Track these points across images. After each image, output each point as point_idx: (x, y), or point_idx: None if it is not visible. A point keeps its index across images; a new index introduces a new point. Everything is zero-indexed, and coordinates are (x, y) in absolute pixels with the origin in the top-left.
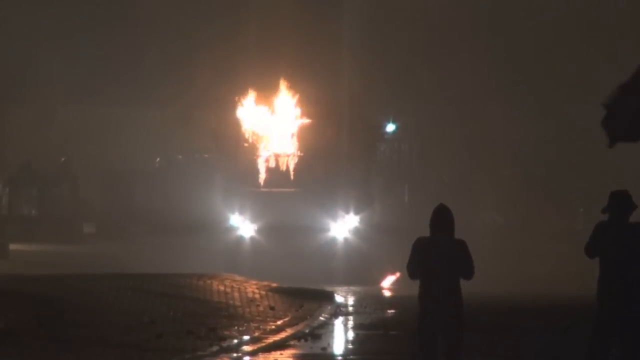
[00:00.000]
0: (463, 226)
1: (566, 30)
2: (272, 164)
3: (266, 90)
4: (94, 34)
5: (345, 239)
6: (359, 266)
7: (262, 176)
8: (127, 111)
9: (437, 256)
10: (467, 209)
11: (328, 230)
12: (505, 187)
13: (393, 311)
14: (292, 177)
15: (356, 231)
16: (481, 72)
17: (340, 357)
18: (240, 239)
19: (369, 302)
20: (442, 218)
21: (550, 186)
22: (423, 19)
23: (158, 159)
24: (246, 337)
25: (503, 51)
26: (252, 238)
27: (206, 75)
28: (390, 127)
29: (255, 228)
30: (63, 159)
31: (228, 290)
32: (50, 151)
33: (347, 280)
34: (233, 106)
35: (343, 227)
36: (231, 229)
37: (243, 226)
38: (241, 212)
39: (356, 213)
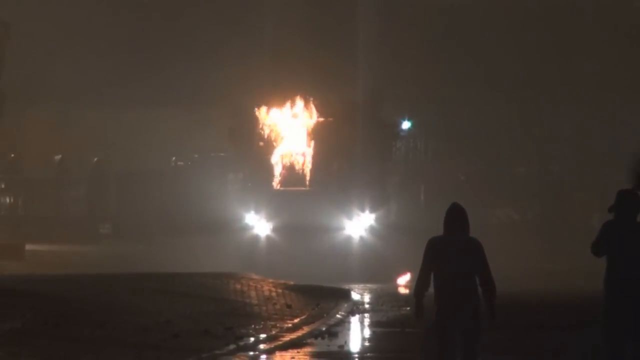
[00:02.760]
0: (479, 223)
1: (581, 28)
2: (288, 163)
3: (282, 90)
4: (111, 36)
5: (361, 237)
6: (374, 264)
7: (278, 175)
8: (143, 111)
9: (451, 256)
10: (482, 205)
11: (343, 228)
12: (520, 184)
13: (410, 309)
14: (307, 176)
15: (372, 229)
16: (496, 69)
17: (357, 355)
18: (256, 238)
19: (386, 300)
20: (456, 217)
21: (566, 183)
22: (439, 17)
23: (174, 159)
24: (263, 336)
25: (518, 48)
26: (267, 237)
27: (223, 74)
28: (406, 125)
29: (271, 227)
30: (96, 159)
31: (245, 289)
32: (69, 152)
33: (362, 278)
34: (249, 105)
35: (358, 225)
36: (246, 228)
37: (258, 225)
38: (256, 211)
39: (372, 211)
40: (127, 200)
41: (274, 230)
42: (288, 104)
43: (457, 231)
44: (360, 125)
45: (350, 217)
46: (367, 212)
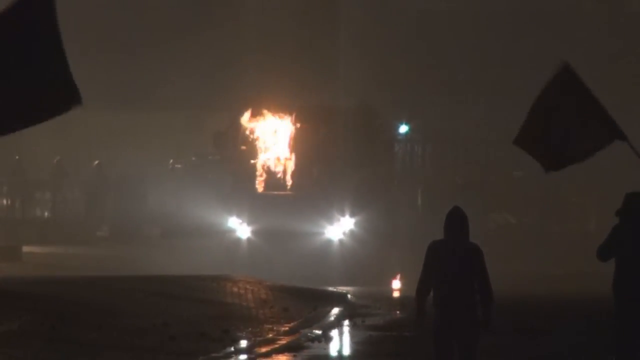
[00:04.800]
0: (476, 227)
1: (577, 30)
2: (270, 168)
3: (267, 95)
4: (106, 38)
5: (340, 241)
6: (353, 268)
7: (260, 179)
8: (141, 114)
9: (451, 260)
10: (480, 209)
11: (323, 233)
12: (518, 188)
13: (407, 312)
14: (289, 180)
15: (351, 233)
16: (494, 73)
17: (354, 359)
18: (238, 241)
19: (383, 304)
20: (456, 221)
21: (563, 187)
22: (436, 20)
23: (172, 161)
24: (260, 339)
25: (515, 51)
26: (249, 240)
27: (219, 78)
28: (404, 129)
29: (252, 230)
30: (96, 162)
31: (241, 292)
32: (66, 154)
33: (340, 282)
34: (235, 109)
35: (338, 229)
36: (229, 231)
37: (240, 229)
38: (239, 215)
39: (352, 216)
40: (124, 202)
41: (255, 233)
42: (273, 109)
43: (457, 235)
44: (343, 130)
45: (330, 222)
46: (347, 216)
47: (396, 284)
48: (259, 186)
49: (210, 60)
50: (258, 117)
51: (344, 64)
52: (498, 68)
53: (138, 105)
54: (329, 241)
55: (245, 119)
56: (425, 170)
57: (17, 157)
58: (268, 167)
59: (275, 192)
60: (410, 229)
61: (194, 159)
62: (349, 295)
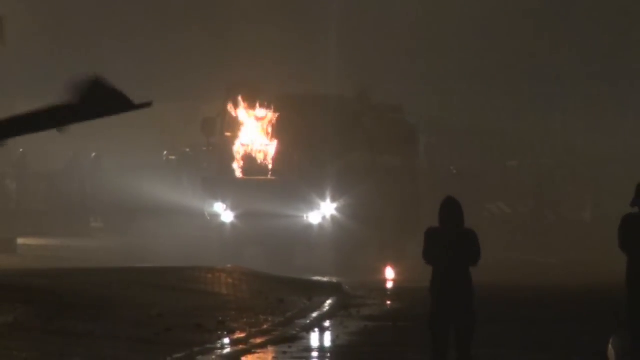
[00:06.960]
0: (471, 216)
1: (572, 21)
2: (254, 154)
3: (256, 82)
4: (103, 31)
5: (320, 225)
6: (332, 252)
7: (243, 165)
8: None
9: (446, 248)
10: (475, 199)
11: (304, 217)
12: (513, 178)
13: (402, 302)
14: (271, 166)
15: (333, 219)
16: (489, 63)
17: (349, 349)
18: (222, 226)
19: (377, 294)
20: (450, 211)
21: (558, 176)
22: (432, 10)
23: (166, 153)
24: (255, 330)
25: (510, 42)
26: (232, 225)
27: (210, 71)
28: None
29: (235, 215)
30: (94, 154)
31: (236, 282)
32: (61, 145)
33: (325, 263)
34: (223, 97)
35: (319, 214)
36: (214, 216)
37: (225, 214)
38: (223, 200)
39: (333, 201)
40: (118, 194)
41: (238, 218)
42: (258, 96)
43: (451, 224)
44: (326, 118)
45: (311, 206)
46: (328, 201)
47: (390, 273)
48: (242, 172)
49: (205, 53)
50: (244, 104)
51: (338, 53)
52: (493, 58)
53: (133, 97)
54: (310, 225)
55: (231, 106)
56: (420, 159)
57: (20, 149)
58: (251, 153)
59: (258, 177)
60: (403, 217)
61: (187, 150)
62: (344, 286)
